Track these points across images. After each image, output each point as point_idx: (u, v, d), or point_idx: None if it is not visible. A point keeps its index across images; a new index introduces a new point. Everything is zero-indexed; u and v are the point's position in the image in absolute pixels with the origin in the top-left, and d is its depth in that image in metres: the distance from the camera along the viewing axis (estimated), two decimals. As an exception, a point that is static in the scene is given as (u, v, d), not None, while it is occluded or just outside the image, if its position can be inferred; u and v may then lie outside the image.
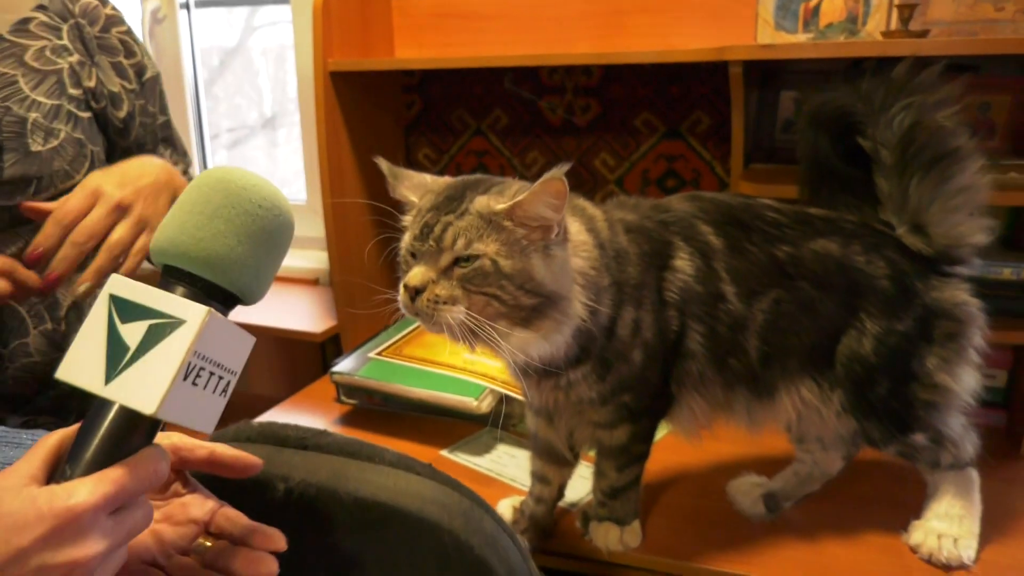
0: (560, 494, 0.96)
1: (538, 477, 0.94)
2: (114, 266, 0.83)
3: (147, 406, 0.45)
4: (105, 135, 1.00)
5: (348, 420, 1.29)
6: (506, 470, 1.09)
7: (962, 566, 0.87)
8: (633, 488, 0.90)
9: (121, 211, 0.83)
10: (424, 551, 0.59)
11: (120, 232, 0.83)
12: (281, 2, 1.93)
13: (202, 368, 0.48)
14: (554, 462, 0.93)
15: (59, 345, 0.96)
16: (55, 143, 0.91)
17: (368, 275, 1.57)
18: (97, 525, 0.44)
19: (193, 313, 0.47)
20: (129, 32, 1.02)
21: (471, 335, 0.71)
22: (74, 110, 0.94)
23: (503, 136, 1.57)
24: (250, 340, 0.53)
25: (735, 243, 0.84)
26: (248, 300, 0.53)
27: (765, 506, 0.97)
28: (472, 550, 0.58)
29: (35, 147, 0.89)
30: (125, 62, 1.01)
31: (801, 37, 1.25)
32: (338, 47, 1.41)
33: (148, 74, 1.04)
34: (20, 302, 0.91)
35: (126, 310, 0.48)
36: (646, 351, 0.81)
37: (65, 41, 0.95)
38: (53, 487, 0.44)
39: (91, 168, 0.94)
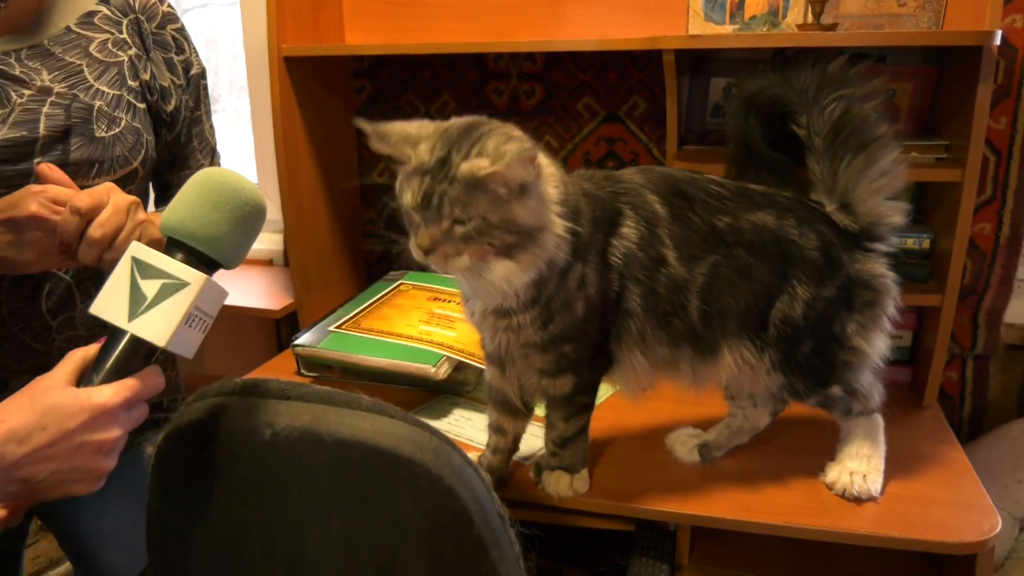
0: (515, 445, 1.05)
1: (494, 428, 1.03)
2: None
3: (160, 341, 0.64)
4: (154, 127, 1.04)
5: (309, 392, 1.35)
6: (463, 431, 1.17)
7: (871, 498, 0.98)
8: (580, 438, 0.99)
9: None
10: (399, 483, 0.67)
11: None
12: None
13: (196, 316, 0.66)
14: (509, 413, 1.01)
15: (104, 322, 0.99)
16: (116, 130, 0.96)
17: (322, 252, 1.62)
18: (119, 417, 0.62)
19: (196, 278, 0.65)
20: (182, 30, 1.06)
21: (474, 274, 0.85)
22: (133, 100, 0.98)
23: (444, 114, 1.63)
24: (225, 293, 0.70)
25: (679, 212, 0.93)
26: (229, 267, 0.71)
27: (700, 455, 1.07)
28: (442, 480, 0.66)
29: (99, 133, 0.94)
30: (176, 59, 1.05)
31: (728, 28, 1.36)
32: (291, 33, 1.45)
33: (194, 70, 1.08)
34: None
35: (145, 270, 0.65)
36: (587, 305, 0.90)
37: (125, 35, 1.00)
38: (89, 388, 0.62)
39: (146, 156, 1.00)
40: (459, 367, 1.25)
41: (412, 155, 0.83)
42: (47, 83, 0.92)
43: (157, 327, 0.63)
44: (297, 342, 1.32)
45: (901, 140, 0.99)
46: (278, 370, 1.44)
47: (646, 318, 0.93)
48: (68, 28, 0.96)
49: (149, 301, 0.63)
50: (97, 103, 0.95)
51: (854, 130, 0.96)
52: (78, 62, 0.95)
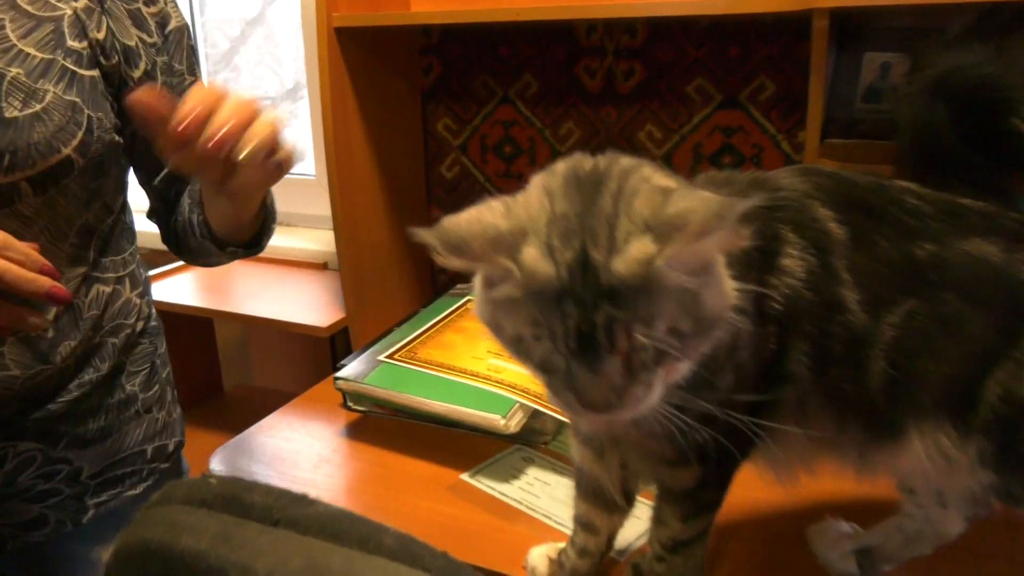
0: (609, 546, 0.79)
1: (582, 524, 0.77)
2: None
3: None
4: (118, 100, 0.81)
5: (355, 431, 1.13)
6: (538, 501, 0.92)
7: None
8: (699, 543, 0.73)
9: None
10: None
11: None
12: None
13: None
14: (602, 507, 0.75)
15: (45, 356, 0.78)
16: (37, 107, 0.72)
17: (379, 258, 1.40)
18: None
19: None
20: None
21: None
22: (72, 66, 0.75)
23: (533, 104, 1.38)
24: None
25: (862, 235, 0.65)
26: None
27: (858, 564, 0.79)
28: None
29: (9, 112, 0.71)
30: (145, 10, 0.82)
31: (893, -15, 1.05)
32: (345, 1, 1.22)
33: (172, 24, 0.85)
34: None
35: None
36: (738, 375, 0.63)
37: None
38: None
39: (88, 140, 0.75)
40: (535, 414, 1.00)
41: (517, 268, 0.52)
42: None
43: None
44: (339, 374, 1.10)
45: None
46: (324, 400, 1.22)
47: (812, 386, 0.65)
48: None
49: None
50: (12, 71, 0.71)
51: None
52: None
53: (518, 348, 0.56)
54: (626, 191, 0.53)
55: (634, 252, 0.50)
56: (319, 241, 1.67)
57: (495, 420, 0.96)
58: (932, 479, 0.71)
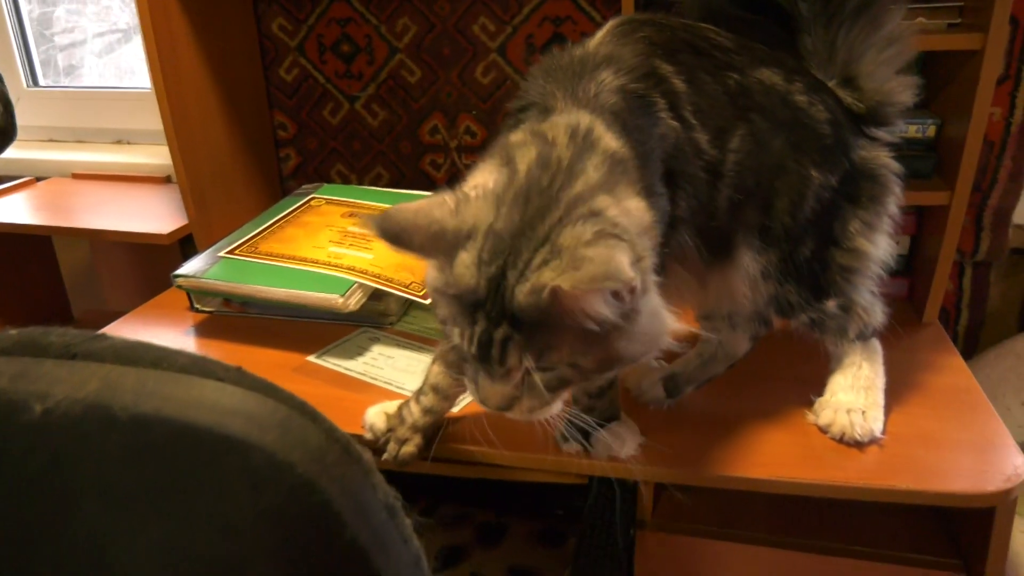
0: (451, 405, 0.84)
1: (437, 389, 0.81)
2: None
3: None
4: None
5: (203, 330, 1.13)
6: (382, 372, 0.97)
7: (872, 440, 0.81)
8: (613, 388, 0.79)
9: None
10: (230, 475, 0.46)
11: None
12: None
13: None
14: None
15: None
16: None
17: (222, 166, 1.38)
18: None
19: None
20: None
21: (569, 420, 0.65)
22: None
23: (367, 1, 1.37)
24: None
25: (695, 77, 0.71)
26: None
27: (665, 390, 0.88)
28: (293, 468, 0.45)
29: None
30: None
31: None
32: None
33: None
34: None
35: None
36: None
37: None
38: None
39: None
40: (376, 296, 1.03)
41: (450, 271, 0.56)
42: None
43: None
44: (179, 271, 1.09)
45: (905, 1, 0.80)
46: (167, 306, 1.22)
47: (687, 224, 0.72)
48: None
49: None
50: None
51: None
52: None
53: (444, 328, 0.61)
54: (566, 221, 0.55)
55: (533, 282, 0.53)
56: (160, 155, 1.61)
57: (334, 299, 0.99)
58: (726, 298, 0.80)
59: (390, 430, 0.83)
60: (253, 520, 0.46)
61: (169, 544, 0.47)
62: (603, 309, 0.53)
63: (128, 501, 0.47)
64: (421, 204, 0.58)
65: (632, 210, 0.60)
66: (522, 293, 0.54)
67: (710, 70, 0.73)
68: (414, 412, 0.83)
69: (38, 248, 1.61)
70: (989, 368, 1.19)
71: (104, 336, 0.50)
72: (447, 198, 0.59)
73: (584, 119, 0.63)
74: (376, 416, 0.84)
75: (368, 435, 0.83)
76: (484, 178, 0.61)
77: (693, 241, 0.73)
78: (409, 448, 0.81)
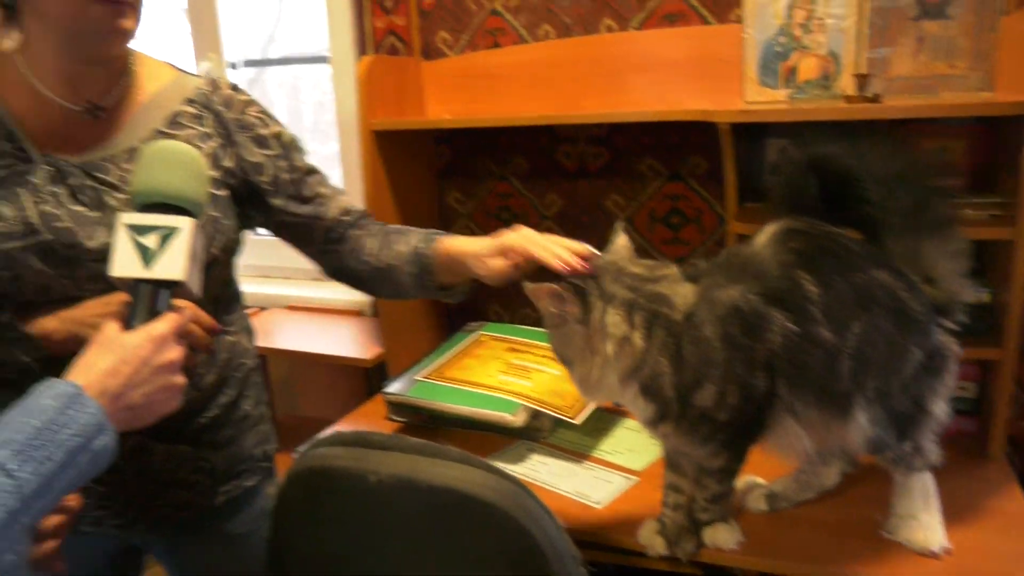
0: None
1: (672, 487, 1.09)
2: None
3: (178, 275, 0.78)
4: (253, 202, 1.10)
5: (397, 436, 1.48)
6: (539, 475, 1.27)
7: (937, 550, 1.02)
8: (728, 495, 1.06)
9: None
10: (483, 526, 0.77)
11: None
12: (319, 62, 2.15)
13: (195, 253, 0.80)
14: (682, 473, 1.08)
15: (196, 385, 1.04)
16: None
17: (408, 306, 1.76)
18: (173, 342, 0.77)
19: (183, 222, 0.79)
20: (263, 110, 1.11)
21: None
22: (212, 189, 1.00)
23: (524, 180, 1.77)
24: (202, 236, 0.84)
25: (828, 280, 0.94)
26: (197, 213, 0.83)
27: (767, 504, 1.14)
28: (518, 521, 0.77)
29: None
30: (263, 132, 1.09)
31: (781, 92, 1.44)
32: (379, 107, 1.61)
33: (285, 138, 1.12)
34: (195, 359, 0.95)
35: (140, 230, 0.79)
36: (730, 413, 0.96)
37: (207, 128, 1.05)
38: (145, 325, 0.76)
39: (227, 241, 1.05)
40: (535, 415, 1.35)
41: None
42: None
43: (171, 266, 0.78)
44: (388, 390, 1.45)
45: (956, 196, 1.04)
46: (370, 415, 1.57)
47: (796, 392, 0.97)
48: (157, 131, 1.01)
49: (155, 250, 0.78)
50: None
51: (933, 212, 1.01)
52: None
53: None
54: None
55: None
56: (353, 292, 2.03)
57: (505, 417, 1.31)
58: (848, 442, 1.02)
59: (667, 539, 1.08)
60: (494, 555, 0.78)
61: (442, 572, 0.79)
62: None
63: (419, 542, 0.80)
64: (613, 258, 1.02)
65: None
66: None
67: (841, 271, 0.94)
68: (668, 513, 1.09)
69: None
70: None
71: (404, 437, 0.84)
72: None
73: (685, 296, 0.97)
74: (649, 536, 1.09)
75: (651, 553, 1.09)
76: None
77: (804, 401, 0.97)
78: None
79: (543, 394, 1.36)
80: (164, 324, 0.76)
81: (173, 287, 0.79)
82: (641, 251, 1.50)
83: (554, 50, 1.65)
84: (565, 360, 1.02)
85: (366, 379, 1.96)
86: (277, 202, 1.11)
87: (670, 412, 0.96)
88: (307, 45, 2.24)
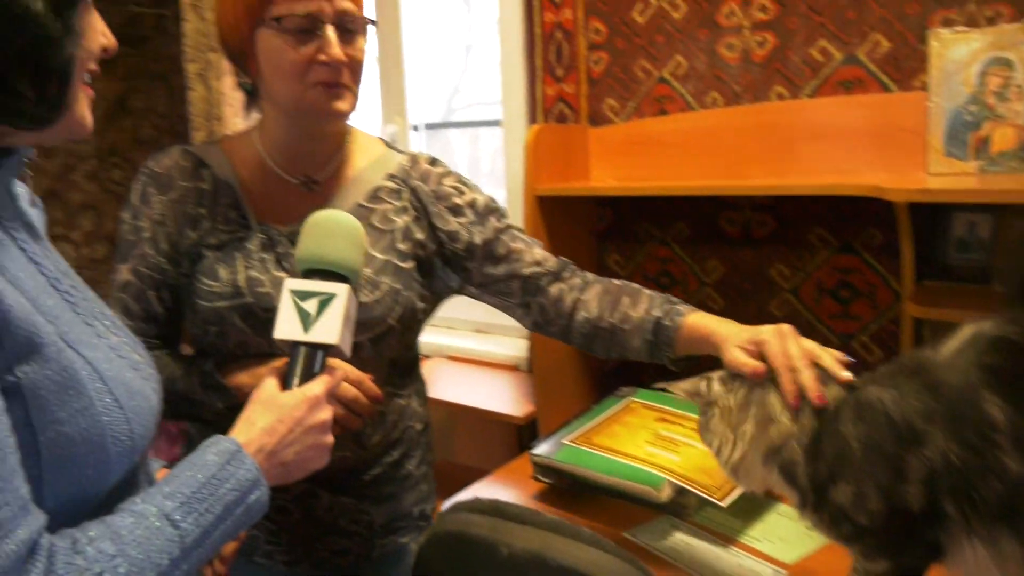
0: None
1: None
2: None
3: (333, 339, 0.84)
4: (450, 267, 1.14)
5: (543, 497, 1.49)
6: (682, 557, 1.23)
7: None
8: None
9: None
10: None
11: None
12: (493, 125, 2.27)
13: (348, 318, 0.86)
14: None
15: (363, 444, 1.10)
16: (378, 295, 1.04)
17: (561, 363, 1.79)
18: (325, 403, 0.82)
19: (340, 288, 0.85)
20: (459, 178, 1.15)
21: None
22: (397, 262, 1.06)
23: (684, 245, 1.75)
24: (356, 300, 0.89)
25: (1019, 402, 0.76)
26: (355, 280, 0.88)
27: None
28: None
29: (363, 298, 1.02)
30: (459, 201, 1.13)
31: (971, 164, 1.34)
32: (544, 173, 1.67)
33: (481, 204, 1.15)
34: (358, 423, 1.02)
35: (302, 296, 0.85)
36: (873, 519, 0.85)
37: (404, 202, 1.10)
38: (302, 387, 0.82)
39: (404, 311, 1.08)
40: (680, 491, 1.32)
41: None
42: None
43: (327, 331, 0.83)
44: (536, 451, 1.47)
45: None
46: (517, 472, 1.60)
47: (976, 518, 0.81)
48: (358, 204, 1.07)
49: (313, 315, 0.84)
50: (366, 271, 1.02)
51: None
52: None
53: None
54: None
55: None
56: (511, 347, 2.10)
57: (650, 491, 1.29)
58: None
59: None
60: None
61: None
62: None
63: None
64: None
65: None
66: None
67: None
68: None
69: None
70: None
71: (540, 512, 0.85)
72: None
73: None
74: None
75: None
76: None
77: (992, 532, 0.80)
78: None
79: (689, 470, 1.32)
80: (318, 386, 0.82)
81: (328, 350, 0.84)
82: (807, 325, 1.44)
83: (721, 118, 1.64)
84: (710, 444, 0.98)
85: (518, 433, 2.00)
86: (472, 265, 1.14)
87: (807, 502, 0.90)
88: (485, 110, 2.37)
